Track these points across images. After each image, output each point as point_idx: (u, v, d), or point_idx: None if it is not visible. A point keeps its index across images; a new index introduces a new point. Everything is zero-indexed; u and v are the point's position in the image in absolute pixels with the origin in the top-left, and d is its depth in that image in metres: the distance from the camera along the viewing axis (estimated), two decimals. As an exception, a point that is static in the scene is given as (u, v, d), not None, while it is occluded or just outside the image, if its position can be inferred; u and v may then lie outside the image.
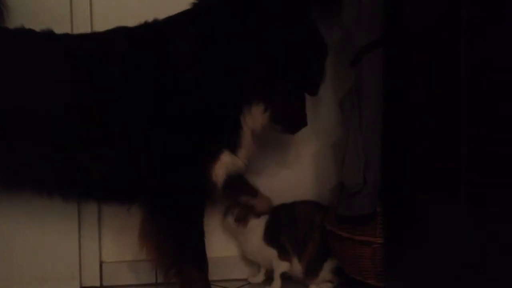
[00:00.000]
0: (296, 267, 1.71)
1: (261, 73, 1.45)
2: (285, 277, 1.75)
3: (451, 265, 1.17)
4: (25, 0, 1.68)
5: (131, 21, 1.51)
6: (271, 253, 1.72)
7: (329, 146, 1.89)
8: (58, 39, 1.50)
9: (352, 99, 1.55)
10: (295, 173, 1.88)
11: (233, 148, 1.49)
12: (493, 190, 1.06)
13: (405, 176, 1.41)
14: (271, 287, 1.73)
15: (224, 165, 1.49)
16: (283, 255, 1.71)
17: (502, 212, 1.04)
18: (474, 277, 1.10)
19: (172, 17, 1.50)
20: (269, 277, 1.78)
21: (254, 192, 1.75)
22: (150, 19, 1.50)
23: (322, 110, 1.86)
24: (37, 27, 1.50)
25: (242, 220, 1.73)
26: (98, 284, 1.81)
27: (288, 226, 1.72)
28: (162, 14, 1.51)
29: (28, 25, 1.51)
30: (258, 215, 1.73)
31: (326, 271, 1.69)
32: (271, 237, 1.72)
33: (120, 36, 1.49)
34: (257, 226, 1.73)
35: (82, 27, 1.71)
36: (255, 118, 1.50)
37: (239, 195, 1.74)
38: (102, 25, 1.58)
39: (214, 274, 1.67)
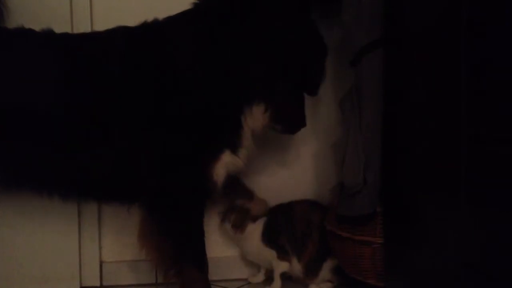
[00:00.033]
0: (296, 267, 1.71)
1: (262, 73, 1.45)
2: (285, 277, 1.75)
3: (451, 265, 1.17)
4: (25, 0, 1.68)
5: (131, 21, 1.51)
6: (270, 254, 1.72)
7: (329, 146, 1.89)
8: (58, 39, 1.50)
9: (352, 99, 1.55)
10: (295, 173, 1.88)
11: (234, 147, 1.49)
12: (493, 190, 1.06)
13: (405, 176, 1.41)
14: (271, 287, 1.73)
15: (225, 164, 1.49)
16: (282, 255, 1.71)
17: (502, 212, 1.04)
18: (474, 277, 1.10)
19: (172, 17, 1.50)
20: (269, 277, 1.78)
21: (250, 195, 1.75)
22: (150, 19, 1.50)
23: (322, 110, 1.86)
24: (37, 27, 1.50)
25: (239, 226, 1.73)
26: (98, 284, 1.81)
27: (286, 227, 1.72)
28: (162, 14, 1.51)
29: (28, 25, 1.51)
30: (254, 219, 1.73)
31: (325, 270, 1.69)
32: (270, 238, 1.72)
33: (120, 36, 1.49)
34: (254, 229, 1.73)
35: (82, 27, 1.71)
36: (255, 118, 1.50)
37: (235, 198, 1.74)
38: (102, 25, 1.58)
39: (214, 274, 1.67)
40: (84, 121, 1.43)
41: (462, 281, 1.13)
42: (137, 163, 1.44)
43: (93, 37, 1.56)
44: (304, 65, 1.50)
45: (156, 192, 1.46)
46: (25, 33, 1.49)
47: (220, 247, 1.82)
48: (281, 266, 1.72)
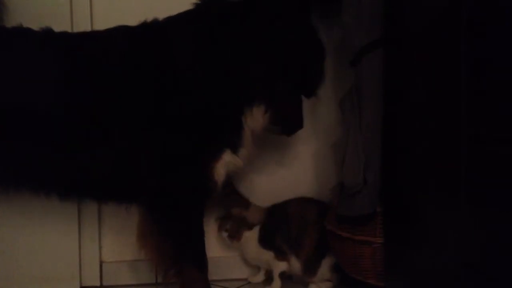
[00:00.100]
0: (295, 265, 1.71)
1: (262, 74, 1.46)
2: (285, 276, 1.75)
3: (451, 265, 1.17)
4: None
5: (131, 21, 1.51)
6: (268, 255, 1.73)
7: (329, 146, 1.89)
8: (57, 38, 1.49)
9: (352, 99, 1.55)
10: (295, 173, 1.88)
11: (235, 147, 1.50)
12: (493, 190, 1.06)
13: (405, 176, 1.41)
14: (271, 287, 1.73)
15: (226, 164, 1.49)
16: (280, 255, 1.71)
17: (502, 212, 1.04)
18: (474, 277, 1.10)
19: (173, 17, 1.50)
20: (269, 277, 1.78)
21: (245, 204, 1.75)
22: (150, 19, 1.50)
23: (322, 110, 1.86)
24: (37, 26, 1.50)
25: (235, 236, 1.74)
26: (98, 284, 1.81)
27: (281, 227, 1.72)
28: (162, 14, 1.51)
29: (28, 24, 1.50)
30: (250, 226, 1.74)
31: (324, 267, 1.69)
32: (266, 240, 1.72)
33: (121, 35, 1.49)
34: (251, 236, 1.74)
35: (82, 26, 1.71)
36: (255, 119, 1.50)
37: (231, 207, 1.74)
38: (102, 25, 1.58)
39: (214, 274, 1.67)
40: (84, 121, 1.43)
41: (462, 281, 1.13)
42: (137, 163, 1.44)
43: (93, 36, 1.56)
44: (303, 67, 1.50)
45: (157, 192, 1.46)
46: (24, 32, 1.48)
47: (220, 247, 1.82)
48: (279, 266, 1.72)
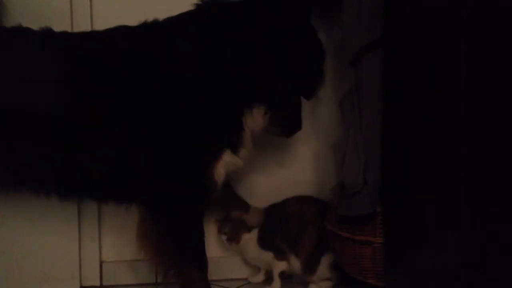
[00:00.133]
0: (295, 264, 1.71)
1: (263, 75, 1.46)
2: (285, 276, 1.75)
3: (451, 265, 1.17)
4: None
5: (131, 21, 1.51)
6: (268, 255, 1.73)
7: (329, 146, 1.89)
8: (57, 38, 1.49)
9: (352, 99, 1.55)
10: (295, 173, 1.88)
11: (235, 147, 1.50)
12: (493, 190, 1.06)
13: (405, 176, 1.41)
14: (271, 287, 1.73)
15: (226, 164, 1.49)
16: (280, 255, 1.71)
17: (502, 212, 1.04)
18: (474, 277, 1.10)
19: (173, 17, 1.50)
20: (269, 277, 1.78)
21: (245, 207, 1.75)
22: (150, 19, 1.50)
23: (322, 110, 1.86)
24: (37, 26, 1.49)
25: (234, 239, 1.74)
26: (98, 284, 1.81)
27: (280, 226, 1.72)
28: (162, 14, 1.51)
29: (27, 24, 1.50)
30: (249, 229, 1.74)
31: (324, 266, 1.69)
32: (265, 241, 1.72)
33: (121, 35, 1.49)
34: (250, 238, 1.74)
35: (82, 26, 1.71)
36: (256, 119, 1.51)
37: (230, 210, 1.74)
38: (102, 25, 1.58)
39: (214, 274, 1.67)
40: (84, 121, 1.43)
41: (462, 281, 1.13)
42: (137, 163, 1.44)
43: (93, 36, 1.56)
44: (303, 68, 1.51)
45: (157, 192, 1.46)
46: (23, 32, 1.48)
47: (220, 247, 1.82)
48: (279, 266, 1.72)
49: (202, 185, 1.47)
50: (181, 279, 1.50)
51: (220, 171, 1.49)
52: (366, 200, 1.51)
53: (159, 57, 1.45)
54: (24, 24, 1.51)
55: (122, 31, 1.50)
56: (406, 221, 1.40)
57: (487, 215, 1.07)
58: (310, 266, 1.69)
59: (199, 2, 1.50)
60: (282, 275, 1.74)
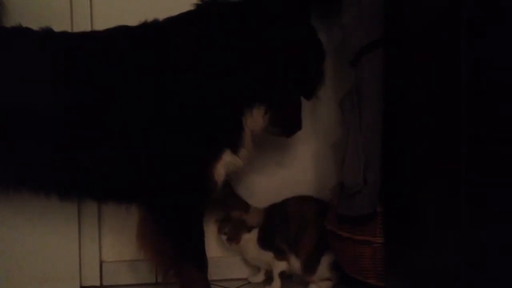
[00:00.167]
0: (295, 264, 1.71)
1: (263, 75, 1.46)
2: (285, 276, 1.75)
3: (451, 265, 1.17)
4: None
5: (131, 21, 1.51)
6: (268, 255, 1.73)
7: (329, 146, 1.89)
8: (57, 38, 1.49)
9: (352, 99, 1.55)
10: (295, 173, 1.88)
11: (235, 147, 1.50)
12: (493, 190, 1.06)
13: (405, 176, 1.41)
14: (271, 287, 1.73)
15: (225, 164, 1.49)
16: (280, 255, 1.72)
17: (502, 212, 1.04)
18: (474, 277, 1.10)
19: (174, 17, 1.50)
20: (269, 277, 1.79)
21: (245, 207, 1.75)
22: (150, 19, 1.50)
23: (322, 110, 1.86)
24: (37, 26, 1.49)
25: (234, 239, 1.74)
26: (98, 283, 1.81)
27: (280, 226, 1.72)
28: (162, 14, 1.51)
29: (27, 24, 1.50)
30: (249, 229, 1.74)
31: (324, 265, 1.69)
32: (265, 241, 1.73)
33: (121, 35, 1.49)
34: (250, 238, 1.74)
35: (82, 26, 1.71)
36: (256, 120, 1.51)
37: (230, 210, 1.74)
38: (102, 25, 1.58)
39: (214, 274, 1.67)
40: (84, 121, 1.43)
41: (462, 281, 1.13)
42: (137, 163, 1.44)
43: (93, 36, 1.56)
44: (303, 68, 1.51)
45: (157, 192, 1.46)
46: (23, 32, 1.48)
47: (220, 247, 1.82)
48: (279, 266, 1.73)
49: (202, 185, 1.47)
50: (181, 279, 1.50)
51: (220, 171, 1.49)
52: (366, 200, 1.51)
53: (159, 57, 1.45)
54: (24, 24, 1.50)
55: (122, 31, 1.50)
56: (406, 221, 1.40)
57: (487, 215, 1.07)
58: (310, 266, 1.69)
59: (199, 2, 1.50)
60: (282, 275, 1.74)
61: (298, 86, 1.54)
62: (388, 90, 1.50)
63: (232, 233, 1.74)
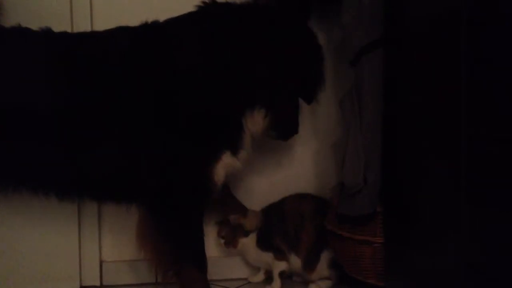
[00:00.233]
0: (295, 262, 1.71)
1: (265, 78, 1.46)
2: (285, 276, 1.75)
3: (451, 265, 1.17)
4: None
5: (131, 21, 1.51)
6: (268, 256, 1.73)
7: (329, 146, 1.89)
8: (57, 38, 1.49)
9: (352, 99, 1.55)
10: (295, 173, 1.88)
11: (234, 149, 1.50)
12: (493, 190, 1.06)
13: (405, 176, 1.41)
14: (271, 287, 1.73)
15: (225, 165, 1.49)
16: (279, 255, 1.72)
17: (502, 212, 1.04)
18: (474, 277, 1.10)
19: (175, 18, 1.50)
20: (269, 277, 1.78)
21: (243, 210, 1.75)
22: (150, 19, 1.50)
23: (322, 110, 1.86)
24: (37, 26, 1.49)
25: (231, 242, 1.74)
26: (98, 283, 1.81)
27: (278, 226, 1.72)
28: (162, 14, 1.51)
29: (27, 24, 1.50)
30: (246, 234, 1.74)
31: (323, 263, 1.69)
32: (264, 242, 1.73)
33: (121, 35, 1.49)
34: (248, 242, 1.74)
35: (82, 26, 1.71)
36: (256, 122, 1.51)
37: (228, 214, 1.74)
38: (102, 25, 1.58)
39: (214, 274, 1.67)
40: (84, 121, 1.43)
41: (462, 281, 1.13)
42: (137, 163, 1.44)
43: (93, 36, 1.56)
44: (303, 72, 1.51)
45: (157, 192, 1.46)
46: (22, 32, 1.48)
47: (220, 247, 1.82)
48: (279, 266, 1.73)
49: (202, 185, 1.48)
50: (181, 279, 1.50)
51: (220, 172, 1.49)
52: (366, 200, 1.51)
53: (160, 58, 1.45)
54: (24, 24, 1.50)
55: (122, 31, 1.50)
56: (406, 221, 1.40)
57: (487, 215, 1.07)
58: (309, 263, 1.69)
59: (201, 4, 1.50)
60: (282, 275, 1.74)
61: (298, 90, 1.55)
62: (388, 90, 1.50)
63: (229, 237, 1.74)
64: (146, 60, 1.45)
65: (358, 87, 1.54)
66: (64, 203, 1.57)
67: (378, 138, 1.51)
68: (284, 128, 1.59)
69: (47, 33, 1.49)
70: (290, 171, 1.88)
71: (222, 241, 1.76)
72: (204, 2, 1.50)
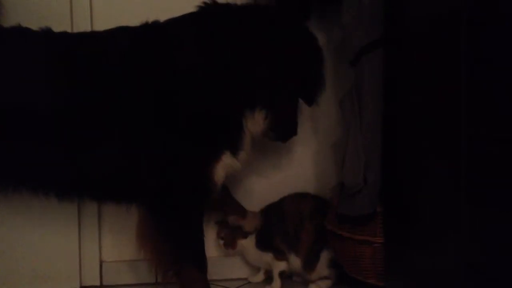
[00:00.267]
0: (295, 262, 1.71)
1: (264, 78, 1.46)
2: (285, 276, 1.75)
3: (451, 265, 1.17)
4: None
5: (131, 21, 1.51)
6: (268, 256, 1.73)
7: (329, 146, 1.89)
8: (57, 38, 1.49)
9: (352, 99, 1.55)
10: (295, 173, 1.88)
11: (234, 150, 1.50)
12: (493, 190, 1.06)
13: (405, 176, 1.41)
14: (271, 287, 1.73)
15: (225, 166, 1.49)
16: (279, 255, 1.72)
17: (502, 212, 1.04)
18: (474, 277, 1.10)
19: (176, 18, 1.50)
20: (269, 277, 1.78)
21: (242, 212, 1.75)
22: (150, 19, 1.50)
23: (322, 110, 1.86)
24: (37, 26, 1.49)
25: (230, 244, 1.75)
26: (98, 283, 1.81)
27: (277, 226, 1.72)
28: (162, 14, 1.51)
29: (27, 24, 1.50)
30: (246, 235, 1.74)
31: (323, 262, 1.69)
32: (264, 243, 1.73)
33: (122, 35, 1.49)
34: (247, 243, 1.75)
35: (82, 26, 1.71)
36: (256, 123, 1.52)
37: (227, 215, 1.74)
38: (102, 25, 1.58)
39: (214, 274, 1.67)
40: (84, 121, 1.43)
41: (462, 281, 1.13)
42: (137, 163, 1.44)
43: (94, 36, 1.56)
44: (303, 74, 1.51)
45: (157, 192, 1.46)
46: (22, 32, 1.48)
47: (220, 247, 1.82)
48: (279, 266, 1.73)
49: (202, 185, 1.48)
50: (181, 279, 1.50)
51: (220, 172, 1.49)
52: (366, 200, 1.51)
53: (160, 58, 1.45)
54: (24, 24, 1.50)
55: (122, 31, 1.49)
56: (406, 221, 1.40)
57: (487, 215, 1.07)
58: (309, 263, 1.69)
59: (202, 5, 1.50)
60: (282, 275, 1.74)
61: (298, 91, 1.55)
62: (388, 90, 1.50)
63: (228, 238, 1.74)
64: (146, 60, 1.45)
65: (358, 87, 1.54)
66: (64, 203, 1.57)
67: (378, 138, 1.51)
68: (283, 130, 1.59)
69: (47, 33, 1.49)
70: (290, 171, 1.88)
71: (222, 242, 1.76)
72: (204, 3, 1.51)
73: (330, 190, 1.75)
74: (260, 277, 1.82)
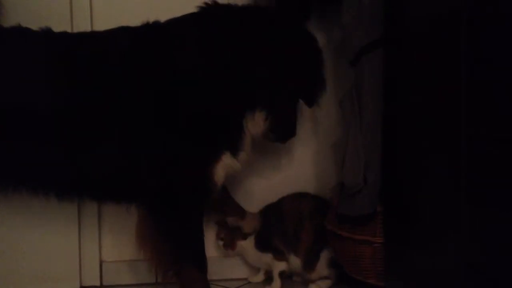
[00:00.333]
0: (295, 262, 1.71)
1: (266, 80, 1.46)
2: (285, 276, 1.75)
3: (451, 265, 1.17)
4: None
5: (131, 21, 1.51)
6: (267, 257, 1.73)
7: (329, 146, 1.89)
8: (57, 38, 1.49)
9: (352, 99, 1.55)
10: (294, 173, 1.88)
11: (234, 150, 1.50)
12: (493, 190, 1.06)
13: (405, 176, 1.41)
14: (271, 287, 1.73)
15: (225, 166, 1.49)
16: (279, 255, 1.72)
17: (502, 212, 1.04)
18: (474, 277, 1.10)
19: (176, 18, 1.50)
20: (269, 277, 1.79)
21: (241, 213, 1.75)
22: (150, 19, 1.50)
23: (322, 110, 1.86)
24: (37, 26, 1.49)
25: (229, 245, 1.75)
26: (98, 283, 1.81)
27: (277, 226, 1.72)
28: (162, 14, 1.51)
29: (27, 24, 1.50)
30: (245, 237, 1.74)
31: (323, 262, 1.69)
32: (263, 243, 1.73)
33: (122, 35, 1.49)
34: (247, 244, 1.75)
35: (82, 26, 1.71)
36: (257, 124, 1.52)
37: (226, 216, 1.74)
38: (102, 25, 1.58)
39: (214, 274, 1.67)
40: (84, 121, 1.43)
41: (462, 281, 1.13)
42: (137, 163, 1.44)
43: (94, 36, 1.56)
44: (303, 74, 1.51)
45: (157, 192, 1.46)
46: (22, 32, 1.48)
47: (220, 247, 1.82)
48: (279, 266, 1.73)
49: (202, 185, 1.48)
50: (181, 279, 1.50)
51: (220, 172, 1.49)
52: (366, 200, 1.51)
53: (161, 58, 1.45)
54: (24, 24, 1.50)
55: (122, 31, 1.49)
56: (406, 221, 1.40)
57: (487, 215, 1.07)
58: (309, 263, 1.69)
59: (203, 5, 1.50)
60: (282, 275, 1.74)
61: (299, 92, 1.55)
62: (388, 90, 1.50)
63: (228, 239, 1.74)
64: (146, 60, 1.45)
65: (358, 87, 1.54)
66: (64, 203, 1.57)
67: (378, 138, 1.51)
68: (283, 131, 1.59)
69: (47, 33, 1.49)
70: (290, 171, 1.88)
71: (221, 243, 1.76)
72: (205, 3, 1.51)
73: (330, 190, 1.75)
74: (260, 277, 1.82)
